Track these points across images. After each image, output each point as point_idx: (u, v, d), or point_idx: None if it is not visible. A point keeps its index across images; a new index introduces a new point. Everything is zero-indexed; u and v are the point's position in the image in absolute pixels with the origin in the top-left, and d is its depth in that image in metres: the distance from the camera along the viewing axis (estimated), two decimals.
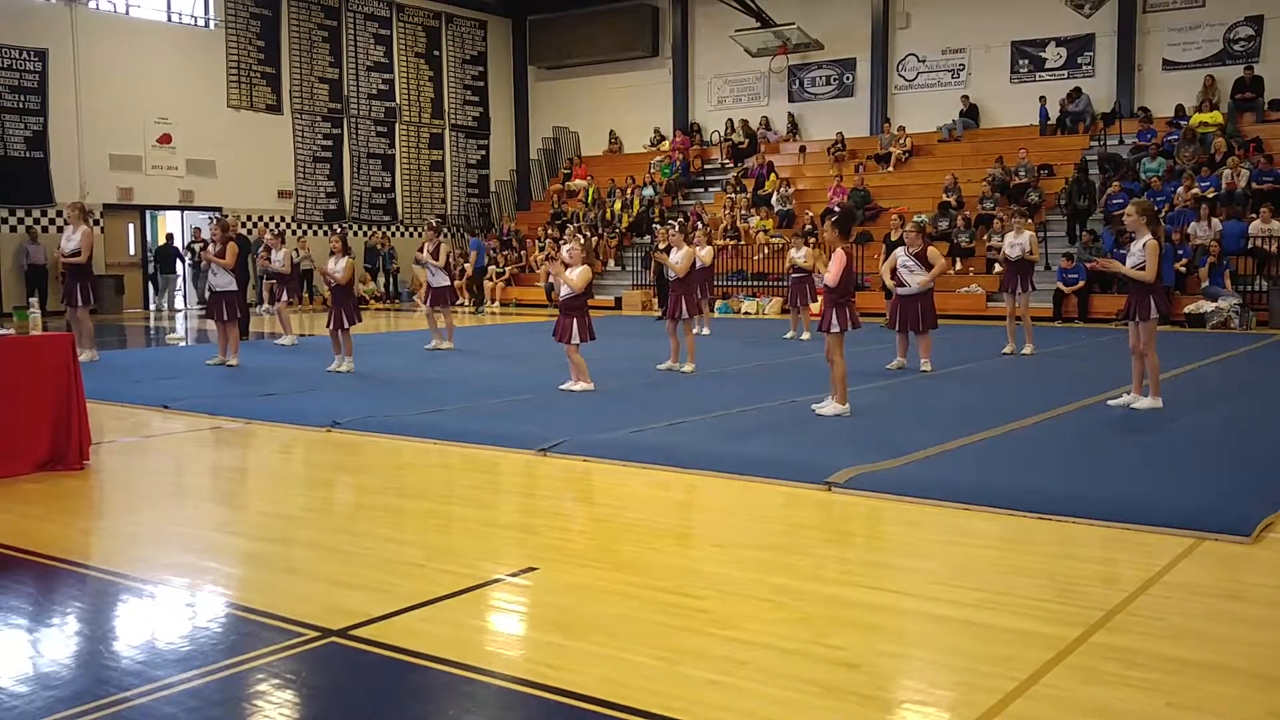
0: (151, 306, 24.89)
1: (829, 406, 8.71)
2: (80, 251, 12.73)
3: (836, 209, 9.07)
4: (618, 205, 27.39)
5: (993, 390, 10.79)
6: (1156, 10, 23.52)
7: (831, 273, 8.55)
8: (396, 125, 29.19)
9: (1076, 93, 23.90)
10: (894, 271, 11.92)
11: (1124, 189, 20.57)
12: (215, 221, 13.25)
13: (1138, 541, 5.30)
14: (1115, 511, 5.64)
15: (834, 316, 8.55)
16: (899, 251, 11.96)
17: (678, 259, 11.99)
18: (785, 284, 17.93)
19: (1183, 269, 18.66)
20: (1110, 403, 9.20)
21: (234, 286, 12.84)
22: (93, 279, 13.25)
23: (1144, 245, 8.71)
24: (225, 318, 12.63)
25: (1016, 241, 13.15)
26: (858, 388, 10.35)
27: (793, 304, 16.34)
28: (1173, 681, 3.60)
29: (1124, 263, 9.10)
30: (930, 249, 11.92)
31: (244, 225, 25.68)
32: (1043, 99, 24.20)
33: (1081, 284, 18.86)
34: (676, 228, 13.51)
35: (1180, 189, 20.21)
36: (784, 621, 4.21)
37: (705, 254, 14.76)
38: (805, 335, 15.74)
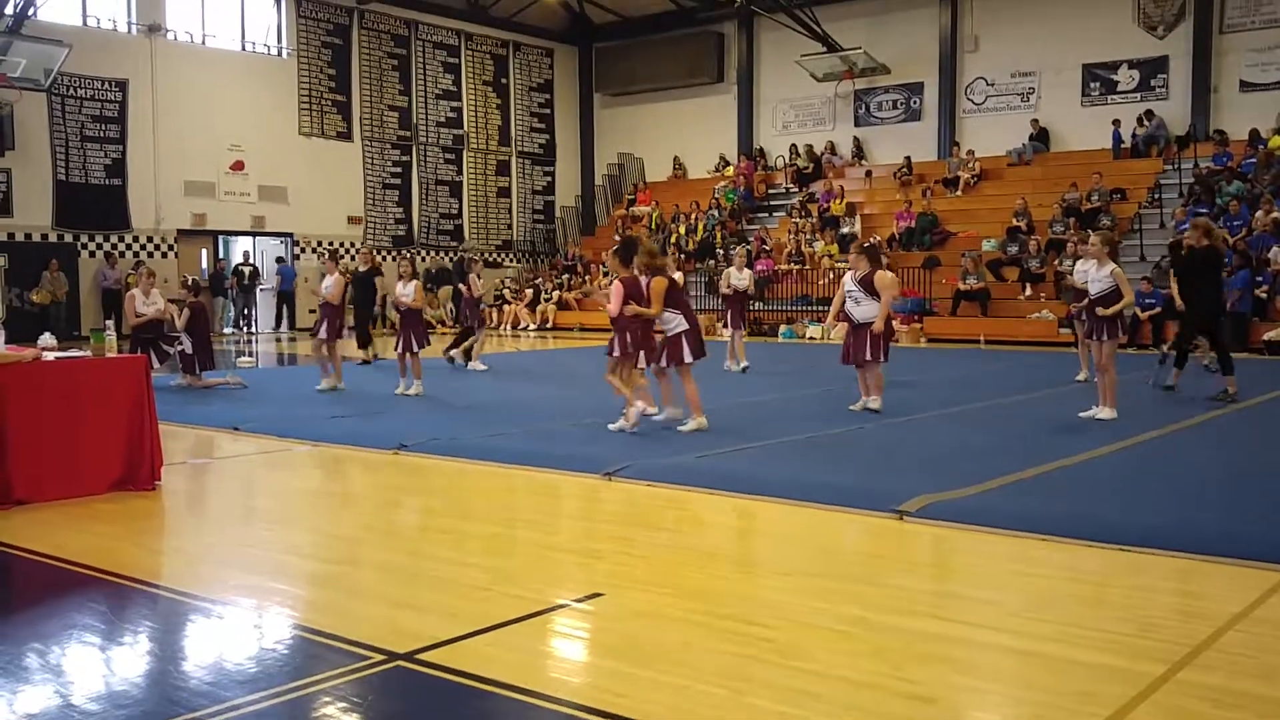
0: (228, 329, 25.30)
1: (619, 422, 9.15)
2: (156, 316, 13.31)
3: (618, 238, 9.30)
4: (682, 230, 27.42)
5: (1066, 418, 10.56)
6: (1233, 31, 23.05)
7: (612, 304, 9.02)
8: (464, 152, 29.52)
9: (1149, 115, 23.47)
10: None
11: (1190, 213, 20.07)
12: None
13: (1221, 574, 5.12)
14: (1196, 543, 5.45)
15: (616, 343, 9.14)
16: (846, 278, 10.50)
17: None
18: (720, 307, 16.91)
19: (1263, 295, 18.20)
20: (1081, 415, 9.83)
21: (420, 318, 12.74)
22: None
23: (1110, 272, 9.77)
24: (415, 347, 12.31)
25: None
26: (926, 414, 10.19)
27: (733, 325, 14.68)
28: None
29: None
30: (879, 274, 10.21)
31: (316, 250, 26.09)
32: (1116, 122, 23.80)
33: (1158, 310, 18.44)
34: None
35: (1259, 213, 19.73)
36: (856, 653, 4.12)
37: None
38: (744, 364, 14.41)
